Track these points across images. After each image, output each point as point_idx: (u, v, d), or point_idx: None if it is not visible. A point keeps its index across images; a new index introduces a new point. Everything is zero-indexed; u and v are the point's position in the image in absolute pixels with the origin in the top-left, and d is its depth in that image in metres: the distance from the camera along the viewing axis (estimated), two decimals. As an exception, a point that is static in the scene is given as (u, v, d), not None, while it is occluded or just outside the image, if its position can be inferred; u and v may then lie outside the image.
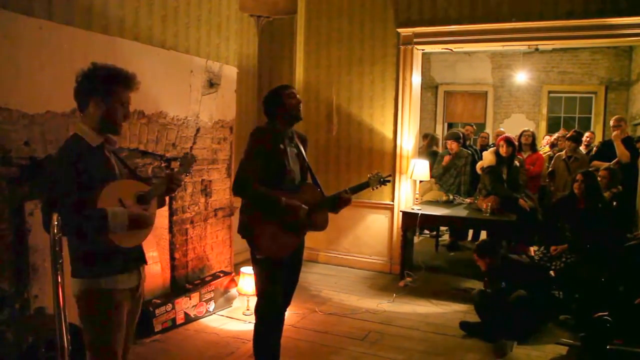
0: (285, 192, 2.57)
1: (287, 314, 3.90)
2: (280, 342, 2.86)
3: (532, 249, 5.38)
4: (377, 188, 2.92)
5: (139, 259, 2.04)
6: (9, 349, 2.65)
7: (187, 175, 2.15)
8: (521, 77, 9.34)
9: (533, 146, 5.82)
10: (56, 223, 1.65)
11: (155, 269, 3.74)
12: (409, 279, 4.81)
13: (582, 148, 5.95)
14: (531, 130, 5.96)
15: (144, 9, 3.46)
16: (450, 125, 10.01)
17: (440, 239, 6.30)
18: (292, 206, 2.52)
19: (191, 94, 3.91)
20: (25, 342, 2.72)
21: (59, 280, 1.66)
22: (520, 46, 6.85)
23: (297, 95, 2.69)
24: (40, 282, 2.81)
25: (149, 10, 3.51)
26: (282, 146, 2.60)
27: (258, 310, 2.68)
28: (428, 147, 6.60)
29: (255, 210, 2.57)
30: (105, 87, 1.87)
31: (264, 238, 2.55)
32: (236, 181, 2.58)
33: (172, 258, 3.86)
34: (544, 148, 6.73)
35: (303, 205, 2.56)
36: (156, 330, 3.48)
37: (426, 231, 6.76)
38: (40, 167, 2.73)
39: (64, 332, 1.66)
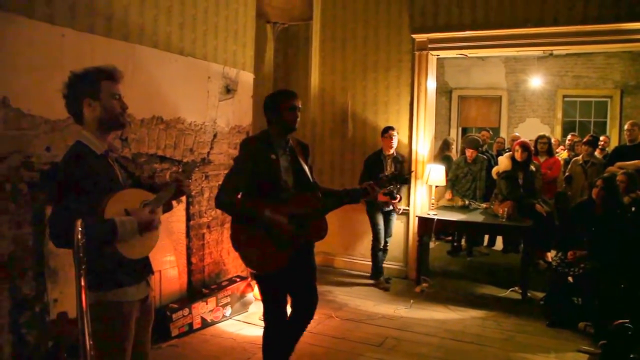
0: (275, 203, 2.47)
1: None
2: (294, 348, 2.82)
3: (549, 254, 5.31)
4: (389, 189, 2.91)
5: (146, 269, 2.03)
6: (30, 352, 2.68)
7: (189, 180, 2.15)
8: (535, 81, 9.26)
9: (550, 151, 5.76)
10: (80, 229, 1.66)
11: (173, 273, 3.77)
12: (425, 285, 4.77)
13: (596, 152, 5.88)
14: (547, 136, 5.89)
15: (162, 16, 3.51)
16: (464, 130, 9.94)
17: (454, 244, 6.25)
18: (275, 222, 2.41)
19: (208, 100, 3.95)
20: (44, 345, 2.75)
21: (82, 284, 1.67)
22: (535, 51, 6.80)
23: (298, 107, 2.58)
24: (59, 286, 2.84)
25: (168, 18, 3.55)
26: (273, 156, 2.52)
27: (264, 318, 2.68)
28: (441, 151, 6.55)
29: (240, 222, 2.49)
30: (91, 86, 1.84)
31: (252, 252, 2.48)
32: (217, 193, 2.52)
33: (189, 263, 3.89)
34: (561, 153, 6.66)
35: (286, 223, 2.43)
36: (173, 334, 3.50)
37: (442, 236, 6.70)
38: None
39: (86, 337, 1.66)
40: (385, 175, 2.74)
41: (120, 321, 1.87)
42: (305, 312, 2.73)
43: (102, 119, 1.87)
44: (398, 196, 4.54)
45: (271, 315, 2.64)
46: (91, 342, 1.66)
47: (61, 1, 2.80)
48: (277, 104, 2.55)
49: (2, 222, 2.53)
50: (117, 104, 1.90)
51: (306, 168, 2.65)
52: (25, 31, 2.61)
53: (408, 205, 5.09)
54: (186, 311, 3.60)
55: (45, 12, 2.71)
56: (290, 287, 2.65)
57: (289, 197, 2.53)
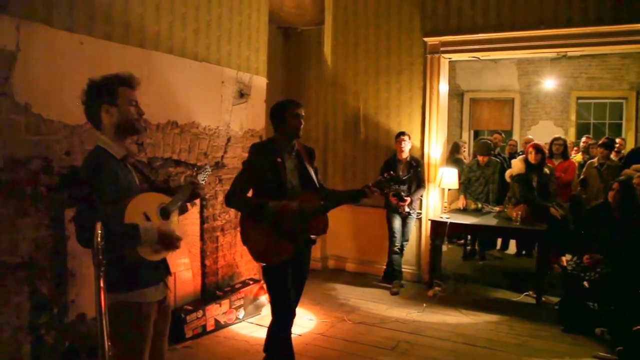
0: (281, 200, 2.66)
1: (314, 321, 4.00)
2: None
3: (565, 258, 5.26)
4: (388, 190, 2.96)
5: (164, 271, 2.07)
6: (48, 352, 2.73)
7: (203, 183, 2.21)
8: (549, 83, 9.18)
9: (565, 154, 5.70)
10: (99, 231, 1.70)
11: (187, 275, 3.81)
12: (437, 289, 4.76)
13: (612, 155, 5.80)
14: (563, 138, 5.84)
15: (178, 23, 3.56)
16: (476, 133, 9.89)
17: (467, 248, 6.22)
18: (280, 205, 2.59)
19: (222, 104, 4.00)
20: (62, 345, 2.80)
21: (101, 285, 1.71)
22: (549, 53, 6.75)
23: (302, 115, 2.76)
24: (77, 287, 2.90)
25: (183, 24, 3.61)
26: (279, 159, 2.71)
27: (273, 311, 2.84)
28: (451, 154, 6.51)
29: (247, 218, 2.70)
30: (109, 92, 1.90)
31: (259, 246, 2.68)
32: (227, 192, 2.75)
33: (203, 265, 3.93)
34: (576, 156, 6.58)
35: (292, 205, 2.61)
36: (187, 336, 3.54)
37: (455, 240, 6.66)
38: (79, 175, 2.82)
39: (105, 338, 1.70)
40: (384, 177, 2.87)
41: (139, 322, 1.91)
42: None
43: (120, 125, 1.92)
44: (407, 198, 4.57)
45: (278, 309, 2.80)
46: (109, 343, 1.70)
47: (80, 10, 2.86)
48: (283, 112, 2.75)
49: (23, 224, 2.59)
50: (134, 110, 1.95)
51: (311, 170, 2.84)
52: (46, 39, 2.68)
53: (421, 208, 5.08)
54: (200, 313, 3.64)
55: (65, 21, 2.78)
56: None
57: (294, 196, 2.72)
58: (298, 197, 2.72)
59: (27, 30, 2.57)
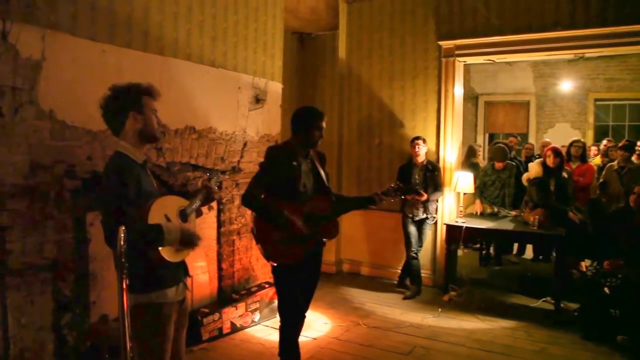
0: (294, 203, 2.71)
1: (329, 325, 4.01)
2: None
3: (584, 264, 5.18)
4: (395, 199, 3.01)
5: (184, 272, 2.13)
6: (69, 351, 2.80)
7: (218, 188, 2.27)
8: (565, 85, 9.05)
9: (583, 157, 5.62)
10: (122, 235, 1.75)
11: (204, 278, 3.86)
12: (453, 293, 4.73)
13: (633, 158, 5.70)
14: (582, 141, 5.76)
15: (195, 30, 3.63)
16: (491, 137, 9.80)
17: (483, 252, 6.16)
18: (292, 224, 2.66)
19: (239, 110, 4.06)
20: (83, 345, 2.87)
21: (124, 287, 1.75)
22: (566, 55, 6.67)
23: (324, 127, 2.83)
24: (98, 289, 2.96)
25: (200, 32, 3.67)
26: (295, 162, 2.75)
27: (280, 313, 2.84)
28: (467, 158, 6.47)
29: (261, 219, 2.74)
30: (137, 100, 1.96)
31: (271, 246, 2.71)
32: (244, 193, 2.80)
33: (220, 268, 3.98)
34: (594, 159, 6.49)
35: (301, 224, 2.68)
36: (203, 338, 3.58)
37: (470, 244, 6.60)
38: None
39: (127, 339, 1.74)
40: (392, 186, 2.95)
41: (161, 322, 1.96)
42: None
43: (143, 132, 1.99)
44: (423, 193, 4.51)
45: (286, 309, 2.81)
46: (131, 344, 1.75)
47: (102, 19, 2.95)
48: (309, 122, 2.78)
49: (47, 227, 2.67)
50: (155, 119, 2.03)
51: (323, 175, 2.89)
52: (70, 48, 2.76)
53: (436, 213, 5.06)
54: (216, 316, 3.68)
55: (88, 30, 2.86)
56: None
57: (307, 199, 2.77)
58: (311, 202, 2.77)
59: (52, 40, 2.66)
